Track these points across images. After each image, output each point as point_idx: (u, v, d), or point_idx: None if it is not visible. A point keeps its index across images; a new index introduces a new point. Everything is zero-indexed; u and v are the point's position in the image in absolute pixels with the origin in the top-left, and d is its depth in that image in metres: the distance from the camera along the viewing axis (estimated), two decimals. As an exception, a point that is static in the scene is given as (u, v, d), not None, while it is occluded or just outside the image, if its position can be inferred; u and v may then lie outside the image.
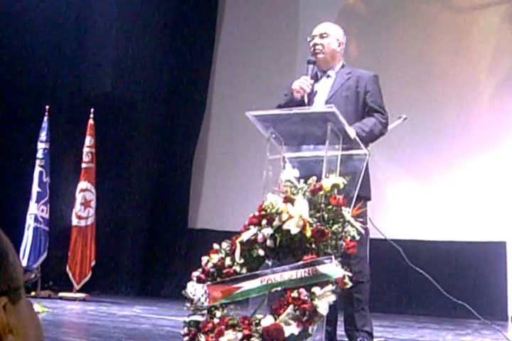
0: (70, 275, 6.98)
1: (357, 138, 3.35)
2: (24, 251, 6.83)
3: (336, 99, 3.64)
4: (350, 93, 3.70)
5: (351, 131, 3.33)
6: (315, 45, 3.78)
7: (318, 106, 3.62)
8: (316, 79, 3.74)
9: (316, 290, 2.85)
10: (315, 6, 7.96)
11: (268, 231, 3.05)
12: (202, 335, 3.02)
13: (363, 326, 3.57)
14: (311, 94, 3.68)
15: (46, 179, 7.12)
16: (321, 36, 3.79)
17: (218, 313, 3.05)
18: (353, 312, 3.57)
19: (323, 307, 2.83)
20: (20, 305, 0.83)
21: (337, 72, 3.80)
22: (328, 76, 3.80)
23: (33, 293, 6.63)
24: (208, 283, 3.12)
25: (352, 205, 3.15)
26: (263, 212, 3.11)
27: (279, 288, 2.94)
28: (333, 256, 2.90)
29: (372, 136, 3.62)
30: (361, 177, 3.26)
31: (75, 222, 7.10)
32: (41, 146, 7.18)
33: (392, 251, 3.71)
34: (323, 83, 3.77)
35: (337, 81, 3.76)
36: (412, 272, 3.80)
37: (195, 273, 3.19)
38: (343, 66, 3.84)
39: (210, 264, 3.16)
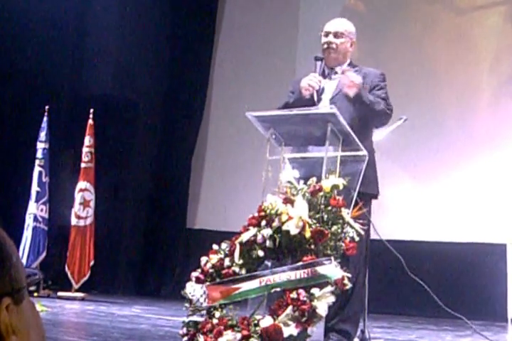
0: (69, 274, 6.97)
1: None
2: (23, 250, 6.83)
3: (341, 97, 3.61)
4: None
5: (351, 89, 3.33)
6: (329, 43, 3.73)
7: (325, 103, 3.60)
8: (324, 76, 3.72)
9: (315, 291, 2.85)
10: (315, 6, 7.96)
11: (267, 232, 3.05)
12: (201, 336, 3.02)
13: (338, 323, 3.45)
14: (319, 92, 3.65)
15: (45, 179, 7.12)
16: (336, 35, 3.73)
17: (217, 314, 3.05)
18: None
19: (322, 308, 2.83)
20: (23, 305, 0.84)
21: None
22: (336, 73, 3.77)
23: (35, 294, 6.60)
24: (207, 283, 3.12)
25: (351, 206, 3.15)
26: (262, 213, 3.11)
27: (278, 289, 2.94)
28: (332, 257, 2.90)
29: (373, 108, 3.55)
30: (360, 178, 3.26)
31: (74, 221, 7.09)
32: (41, 146, 7.18)
33: (391, 252, 3.70)
34: (330, 80, 3.75)
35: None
36: (411, 273, 3.80)
37: (194, 274, 3.19)
38: (350, 63, 3.82)
39: (209, 265, 3.16)
